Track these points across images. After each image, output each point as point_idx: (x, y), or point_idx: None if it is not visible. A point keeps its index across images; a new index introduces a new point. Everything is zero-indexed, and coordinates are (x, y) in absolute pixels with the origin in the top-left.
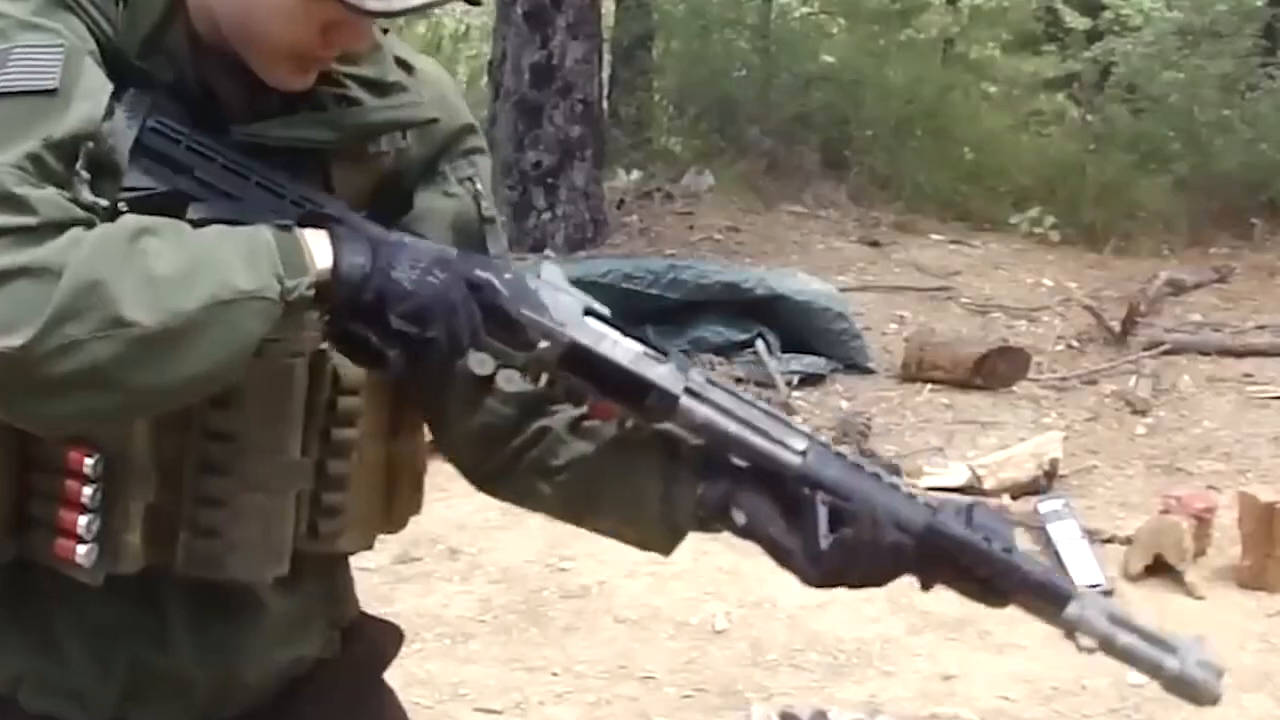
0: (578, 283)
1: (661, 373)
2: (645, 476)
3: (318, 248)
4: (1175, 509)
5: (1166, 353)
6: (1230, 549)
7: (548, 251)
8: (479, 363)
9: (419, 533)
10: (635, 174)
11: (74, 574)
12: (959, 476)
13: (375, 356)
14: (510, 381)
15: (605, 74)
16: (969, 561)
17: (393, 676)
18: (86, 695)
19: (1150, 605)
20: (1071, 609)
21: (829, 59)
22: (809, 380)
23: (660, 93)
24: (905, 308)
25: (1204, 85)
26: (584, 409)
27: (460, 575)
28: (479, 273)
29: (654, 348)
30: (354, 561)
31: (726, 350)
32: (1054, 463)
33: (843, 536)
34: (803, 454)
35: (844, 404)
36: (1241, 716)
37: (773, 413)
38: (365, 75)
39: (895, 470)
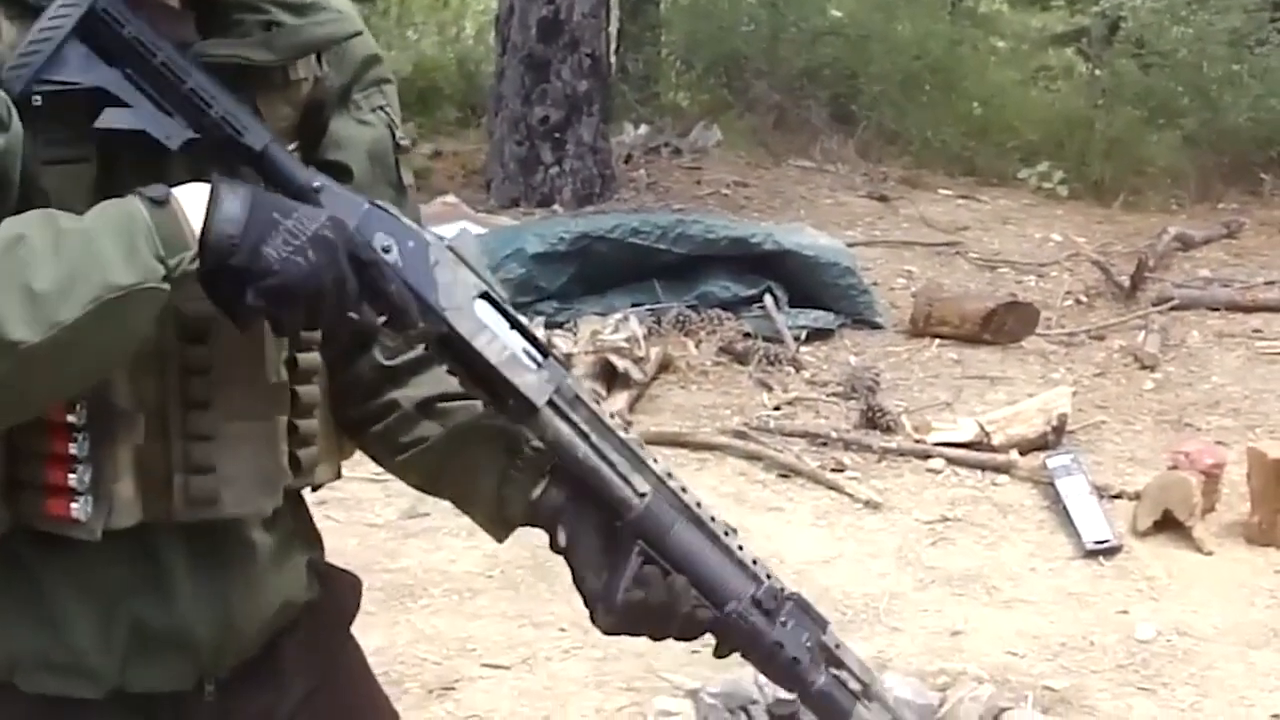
0: (584, 238)
1: (528, 380)
2: (483, 473)
3: (194, 211)
4: (1184, 464)
5: (1175, 308)
6: (1239, 505)
7: (555, 207)
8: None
9: None
10: (643, 129)
11: (71, 531)
12: (967, 432)
13: (238, 317)
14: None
15: (613, 28)
16: (758, 657)
17: (400, 632)
18: (89, 666)
19: (1158, 561)
20: None
21: (837, 13)
22: (817, 335)
23: (668, 47)
24: (913, 263)
25: (1213, 40)
26: (439, 389)
27: (467, 530)
28: (369, 251)
29: (539, 347)
30: (362, 518)
31: (734, 305)
32: (1062, 418)
33: (636, 598)
34: (643, 496)
35: (852, 359)
36: (1249, 672)
37: (631, 446)
38: None
39: (732, 531)
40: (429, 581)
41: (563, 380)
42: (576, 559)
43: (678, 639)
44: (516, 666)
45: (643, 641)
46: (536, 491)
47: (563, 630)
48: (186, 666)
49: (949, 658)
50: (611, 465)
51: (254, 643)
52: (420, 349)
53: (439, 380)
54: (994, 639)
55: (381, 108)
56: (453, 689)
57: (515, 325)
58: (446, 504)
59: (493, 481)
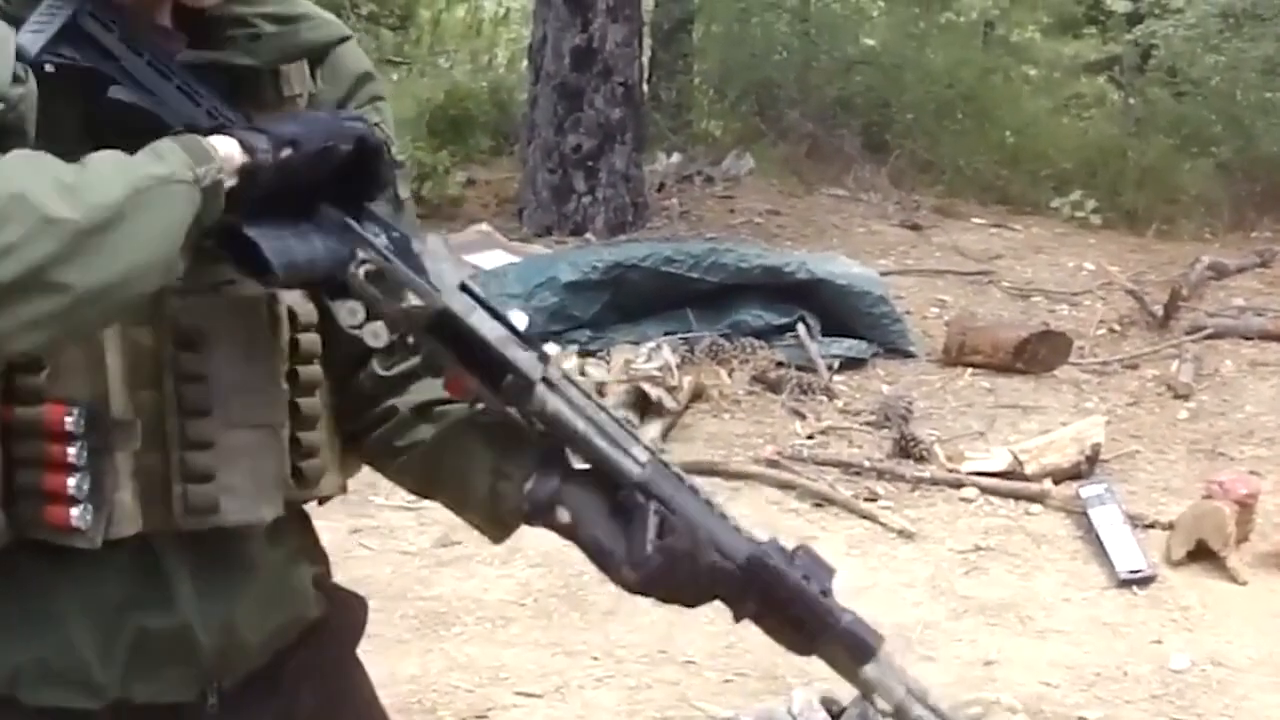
0: (617, 266)
1: (522, 357)
2: (475, 471)
3: (220, 141)
4: (1218, 494)
5: (1208, 337)
6: (1273, 534)
7: (588, 235)
8: (350, 312)
9: None
10: (675, 157)
11: (71, 540)
12: (1001, 461)
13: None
14: (376, 336)
15: (645, 57)
16: (784, 597)
17: (434, 660)
18: (91, 678)
19: (1192, 591)
20: (870, 670)
21: (869, 42)
22: (850, 364)
23: (700, 76)
24: (946, 291)
25: (1246, 68)
26: (436, 394)
27: (500, 559)
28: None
29: (521, 336)
30: (395, 546)
31: (767, 334)
32: (1096, 447)
33: (668, 544)
34: (642, 465)
35: (885, 388)
36: None
37: (622, 422)
38: (271, 12)
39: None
40: (462, 609)
41: (551, 362)
42: (586, 530)
43: (693, 604)
44: (549, 695)
45: (676, 670)
46: (529, 484)
47: (595, 659)
48: (188, 676)
49: (982, 688)
50: (610, 437)
51: (258, 654)
52: (416, 358)
53: (435, 386)
54: (1028, 669)
55: (377, 124)
56: (486, 717)
57: (496, 316)
58: (479, 533)
59: (486, 479)
